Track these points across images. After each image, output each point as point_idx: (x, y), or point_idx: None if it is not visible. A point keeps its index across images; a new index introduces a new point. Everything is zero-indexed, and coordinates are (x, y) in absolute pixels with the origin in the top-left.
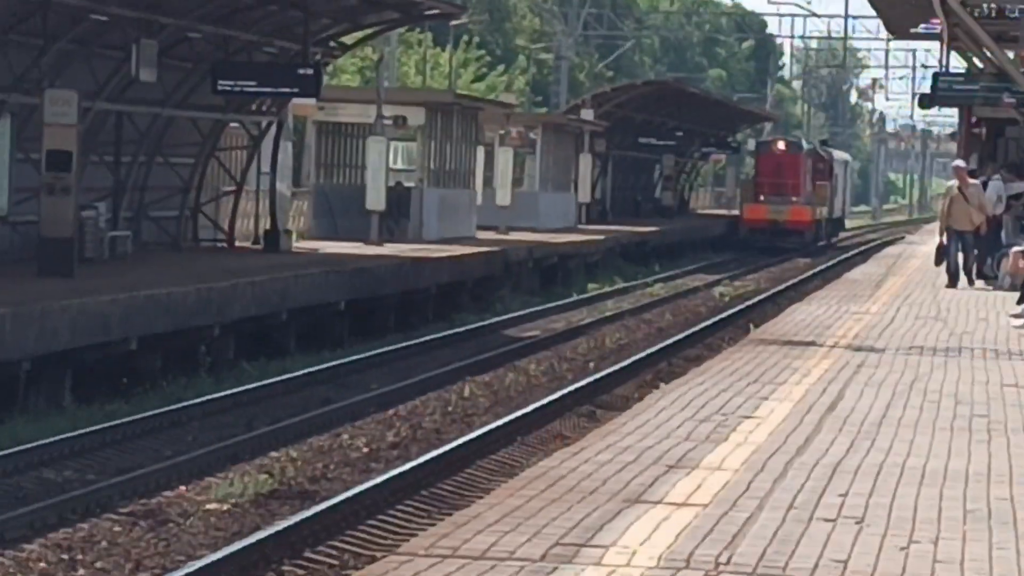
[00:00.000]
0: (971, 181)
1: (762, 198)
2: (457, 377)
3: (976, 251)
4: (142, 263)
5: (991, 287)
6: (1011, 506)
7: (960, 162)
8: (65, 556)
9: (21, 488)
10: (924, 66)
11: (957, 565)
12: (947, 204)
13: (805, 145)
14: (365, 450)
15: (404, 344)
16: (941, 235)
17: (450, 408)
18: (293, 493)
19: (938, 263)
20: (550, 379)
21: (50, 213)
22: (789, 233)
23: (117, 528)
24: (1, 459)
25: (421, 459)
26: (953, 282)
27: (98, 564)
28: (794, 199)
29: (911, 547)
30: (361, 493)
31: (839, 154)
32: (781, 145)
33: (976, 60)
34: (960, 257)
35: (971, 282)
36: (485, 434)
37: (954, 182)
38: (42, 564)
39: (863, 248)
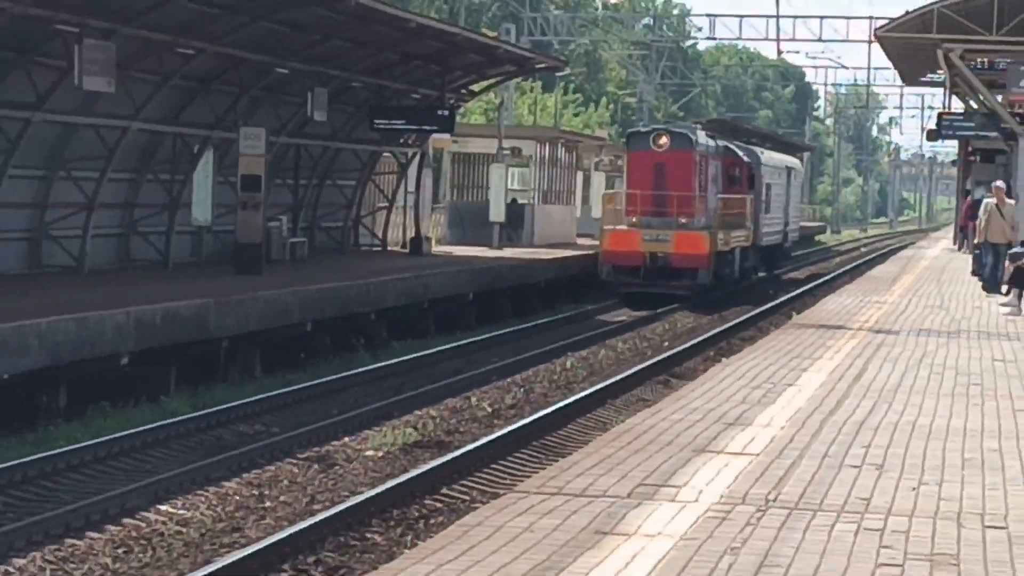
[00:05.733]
0: (1007, 201)
1: (634, 220)
2: (561, 353)
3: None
4: (315, 263)
5: (1009, 310)
6: (1000, 456)
7: (1001, 183)
8: (255, 492)
9: (221, 439)
10: (931, 107)
11: (957, 502)
12: (985, 220)
13: (703, 140)
14: (489, 410)
15: (519, 327)
16: (977, 248)
17: (555, 377)
18: (433, 443)
19: (975, 272)
20: (634, 354)
21: (244, 224)
22: (673, 273)
23: (295, 470)
24: (206, 416)
25: (533, 417)
26: (990, 290)
27: (281, 498)
28: (682, 220)
29: (920, 488)
30: (486, 444)
31: (774, 157)
32: (663, 140)
33: (972, 102)
34: (994, 268)
35: (1004, 291)
36: (583, 398)
37: (992, 200)
38: (237, 497)
39: (883, 252)
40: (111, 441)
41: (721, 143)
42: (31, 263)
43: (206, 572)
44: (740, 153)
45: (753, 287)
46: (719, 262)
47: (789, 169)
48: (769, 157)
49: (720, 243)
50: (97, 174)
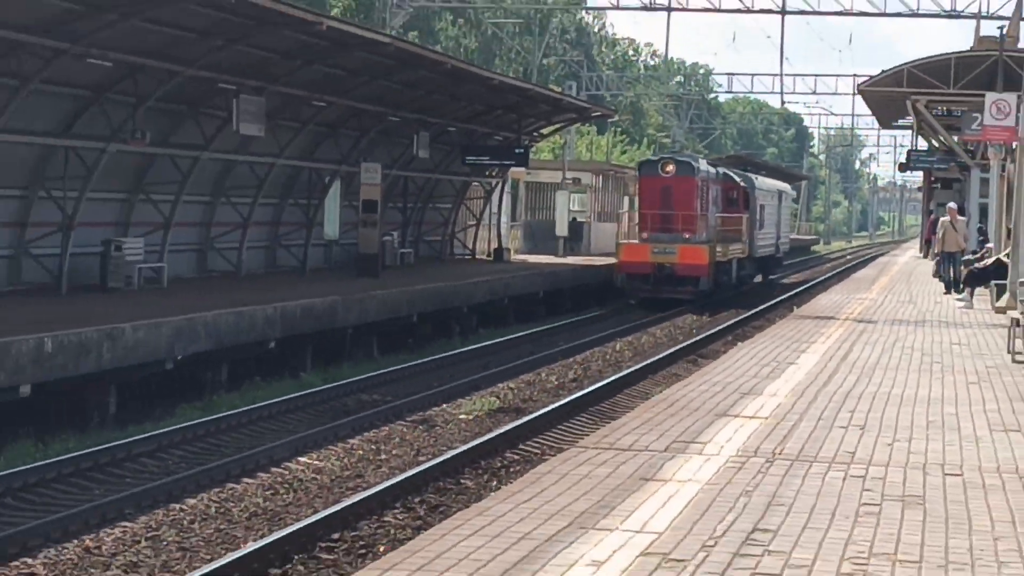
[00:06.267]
0: (959, 218)
1: (645, 235)
2: (612, 338)
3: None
4: (419, 269)
5: (963, 304)
6: (956, 419)
7: (953, 204)
8: (374, 447)
9: (347, 405)
10: (902, 145)
11: (923, 455)
12: (942, 234)
13: (704, 167)
14: (555, 383)
15: (578, 318)
16: (937, 256)
17: (607, 357)
18: (511, 409)
19: (936, 275)
20: (669, 340)
21: (364, 238)
22: (678, 281)
23: (405, 430)
24: (333, 389)
25: (590, 388)
26: (948, 289)
27: (394, 451)
28: (686, 235)
29: (894, 444)
30: (553, 409)
31: (767, 182)
32: (670, 167)
33: (934, 142)
34: (951, 271)
35: (959, 289)
36: (629, 374)
37: (947, 218)
38: (359, 451)
39: (864, 259)
40: (262, 407)
41: (721, 170)
42: (199, 269)
43: (205, 570)
44: (737, 178)
45: (755, 290)
46: (718, 271)
47: (780, 192)
48: (762, 182)
49: (719, 255)
50: (250, 200)
